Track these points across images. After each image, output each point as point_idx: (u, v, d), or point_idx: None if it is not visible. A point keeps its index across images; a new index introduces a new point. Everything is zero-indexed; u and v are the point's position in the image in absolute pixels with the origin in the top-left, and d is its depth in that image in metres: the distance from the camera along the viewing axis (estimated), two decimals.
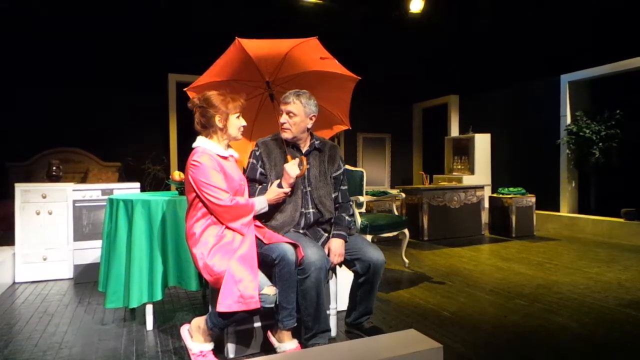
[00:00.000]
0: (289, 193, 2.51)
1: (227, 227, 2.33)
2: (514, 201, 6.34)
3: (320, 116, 3.22)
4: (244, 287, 2.14)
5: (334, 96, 3.35)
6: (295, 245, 2.33)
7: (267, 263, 2.31)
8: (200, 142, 2.39)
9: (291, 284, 2.32)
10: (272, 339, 2.40)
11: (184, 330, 2.39)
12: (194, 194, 2.32)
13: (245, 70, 3.12)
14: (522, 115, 7.80)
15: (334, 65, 3.23)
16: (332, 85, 3.28)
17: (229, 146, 2.49)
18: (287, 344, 2.34)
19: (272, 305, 2.22)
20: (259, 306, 2.14)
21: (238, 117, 2.43)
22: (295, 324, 2.37)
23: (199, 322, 2.33)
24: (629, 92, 6.42)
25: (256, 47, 3.02)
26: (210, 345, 2.32)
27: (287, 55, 3.08)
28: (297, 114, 2.53)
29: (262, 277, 2.25)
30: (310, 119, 2.58)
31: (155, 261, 2.78)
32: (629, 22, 6.13)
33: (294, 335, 2.40)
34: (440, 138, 9.01)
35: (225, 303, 2.13)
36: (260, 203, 2.43)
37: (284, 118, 2.55)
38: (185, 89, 3.18)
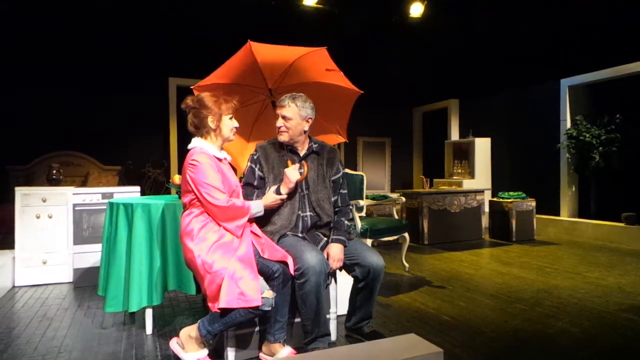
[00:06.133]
0: (286, 198, 2.51)
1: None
2: (514, 205, 6.34)
3: (318, 127, 3.21)
4: (245, 285, 2.14)
5: (334, 108, 3.34)
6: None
7: (265, 273, 2.30)
8: (197, 142, 2.40)
9: (286, 297, 2.35)
10: (266, 357, 2.39)
11: (173, 344, 2.36)
12: (190, 195, 2.32)
13: (250, 75, 3.12)
14: (522, 120, 7.81)
15: (338, 78, 3.22)
16: (333, 98, 3.28)
17: (222, 149, 2.50)
18: (281, 352, 2.34)
19: (270, 309, 2.21)
20: (260, 303, 2.13)
21: (231, 118, 2.44)
22: (285, 336, 2.41)
23: (189, 331, 2.31)
24: (629, 97, 6.42)
25: (265, 52, 3.02)
26: (205, 351, 2.31)
27: (293, 63, 3.08)
28: (292, 117, 2.53)
29: (262, 281, 2.25)
30: (307, 121, 2.58)
31: (155, 265, 2.78)
32: (629, 27, 6.14)
33: (287, 342, 2.42)
34: (441, 142, 9.02)
35: (226, 300, 2.12)
36: (257, 207, 2.42)
37: (280, 121, 2.56)
38: (192, 87, 3.18)
